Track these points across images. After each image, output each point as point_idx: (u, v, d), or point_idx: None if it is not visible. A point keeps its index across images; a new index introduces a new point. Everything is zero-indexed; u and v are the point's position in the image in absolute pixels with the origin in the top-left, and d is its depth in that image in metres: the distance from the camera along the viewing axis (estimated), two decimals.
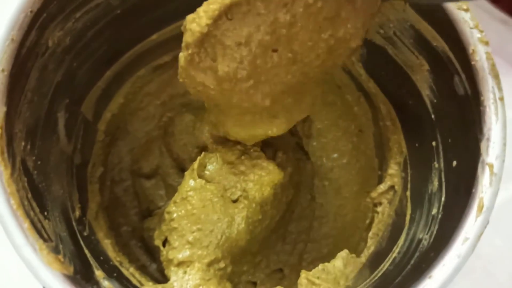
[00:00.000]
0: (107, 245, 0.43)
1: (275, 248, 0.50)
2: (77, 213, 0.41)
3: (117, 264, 0.42)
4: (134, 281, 0.42)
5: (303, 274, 0.44)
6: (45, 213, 0.35)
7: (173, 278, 0.42)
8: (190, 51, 0.32)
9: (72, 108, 0.42)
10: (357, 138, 0.51)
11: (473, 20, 0.34)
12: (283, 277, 0.49)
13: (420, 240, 0.36)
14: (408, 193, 0.43)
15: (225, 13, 0.30)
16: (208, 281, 0.41)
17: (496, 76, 0.33)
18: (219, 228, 0.42)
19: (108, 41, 0.43)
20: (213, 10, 0.30)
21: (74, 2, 0.38)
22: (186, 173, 0.45)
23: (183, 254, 0.42)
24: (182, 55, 0.33)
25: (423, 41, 0.38)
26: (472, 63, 0.33)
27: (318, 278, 0.43)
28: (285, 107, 0.40)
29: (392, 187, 0.45)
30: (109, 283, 0.36)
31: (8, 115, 0.33)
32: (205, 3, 0.31)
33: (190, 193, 0.44)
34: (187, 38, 0.32)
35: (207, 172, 0.46)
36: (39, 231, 0.32)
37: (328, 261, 0.46)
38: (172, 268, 0.42)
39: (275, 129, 0.42)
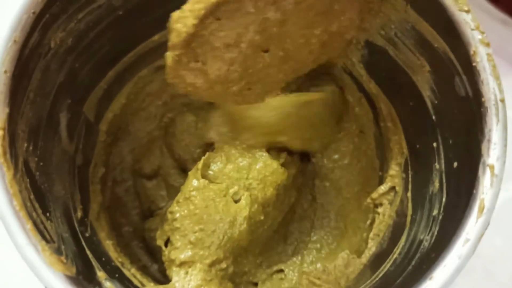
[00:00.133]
0: (109, 245, 0.43)
1: (276, 249, 0.50)
2: (79, 213, 0.41)
3: (118, 265, 0.42)
4: (136, 282, 0.42)
5: (304, 274, 0.45)
6: (47, 214, 0.35)
7: (175, 278, 0.42)
8: (177, 52, 0.31)
9: (74, 108, 0.42)
10: (358, 139, 0.51)
11: (474, 21, 0.34)
12: (284, 278, 0.49)
13: (421, 241, 0.37)
14: (409, 194, 0.43)
15: (212, 13, 0.28)
16: (209, 281, 0.42)
17: (497, 78, 0.33)
18: (221, 228, 0.43)
19: (110, 41, 0.43)
20: (199, 10, 0.29)
21: (76, 3, 0.38)
22: (189, 173, 0.45)
23: (185, 254, 0.42)
24: (169, 55, 0.31)
25: (424, 42, 0.38)
26: (473, 64, 0.33)
27: (319, 278, 0.43)
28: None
29: (393, 188, 0.45)
30: (111, 284, 0.36)
31: (11, 116, 0.33)
32: (191, 1, 0.29)
33: (193, 193, 0.44)
34: (173, 38, 0.30)
35: (210, 172, 0.46)
36: (42, 232, 0.32)
37: (329, 262, 0.46)
38: (174, 269, 0.42)
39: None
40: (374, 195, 0.46)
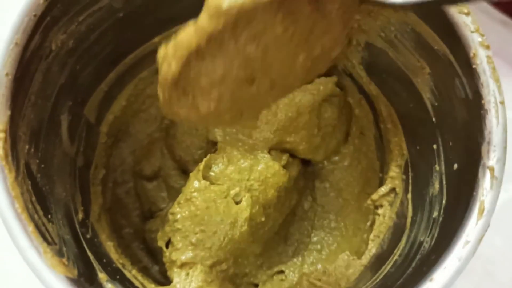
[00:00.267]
0: (110, 247, 0.43)
1: (277, 250, 0.50)
2: (80, 215, 0.41)
3: (119, 266, 0.42)
4: (137, 283, 0.42)
5: (305, 276, 0.45)
6: (49, 216, 0.35)
7: (176, 279, 0.42)
8: (166, 91, 0.31)
9: (75, 110, 0.42)
10: (358, 141, 0.51)
11: (474, 24, 0.34)
12: (284, 279, 0.49)
13: (421, 243, 0.37)
14: (409, 195, 0.43)
15: (195, 55, 0.29)
16: (210, 283, 0.42)
17: (497, 80, 0.33)
18: (222, 229, 0.43)
19: (110, 43, 0.43)
20: (181, 55, 0.29)
21: (77, 5, 0.38)
22: (191, 174, 0.45)
23: (186, 255, 0.42)
24: (160, 92, 0.32)
25: (424, 44, 0.38)
26: (473, 66, 0.33)
27: (319, 280, 0.43)
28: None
29: (393, 190, 0.46)
30: (112, 286, 0.37)
31: (13, 119, 0.33)
32: (174, 42, 0.29)
33: (194, 194, 0.44)
34: (161, 79, 0.31)
35: (212, 174, 0.46)
36: (43, 234, 0.32)
37: (330, 263, 0.46)
38: (175, 270, 0.42)
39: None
40: (374, 196, 0.47)
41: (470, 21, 0.34)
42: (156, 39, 0.47)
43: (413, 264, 0.36)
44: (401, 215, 0.43)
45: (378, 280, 0.39)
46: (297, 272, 0.49)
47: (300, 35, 0.31)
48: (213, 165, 0.46)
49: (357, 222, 0.50)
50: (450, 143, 0.37)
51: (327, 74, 0.49)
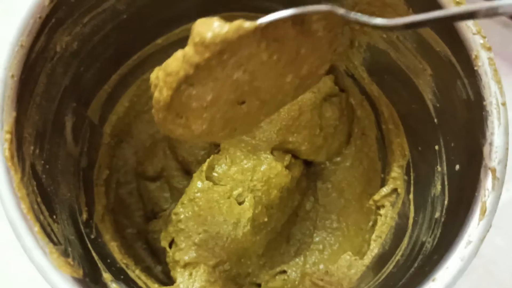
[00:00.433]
0: (114, 247, 0.43)
1: (279, 250, 0.50)
2: (84, 216, 0.42)
3: (123, 266, 0.42)
4: (140, 283, 0.42)
5: (307, 276, 0.45)
6: (54, 216, 0.35)
7: (179, 279, 0.42)
8: (160, 115, 0.32)
9: (79, 111, 0.43)
10: (360, 141, 0.51)
11: (475, 25, 0.34)
12: (287, 279, 0.49)
13: (423, 243, 0.37)
14: (411, 196, 0.43)
15: (185, 81, 0.29)
16: (213, 283, 0.42)
17: (498, 82, 0.33)
18: (225, 230, 0.43)
19: (114, 45, 0.44)
20: (171, 82, 0.29)
21: (81, 7, 0.38)
22: (194, 174, 0.46)
23: (189, 255, 0.43)
24: (154, 115, 0.33)
25: (426, 46, 0.38)
26: (475, 68, 0.34)
27: (322, 280, 0.43)
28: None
29: (395, 190, 0.46)
30: (116, 286, 0.37)
31: (18, 120, 0.34)
32: (163, 69, 0.30)
33: (198, 194, 0.44)
34: (154, 103, 0.32)
35: (215, 174, 0.46)
36: (49, 235, 0.33)
37: (332, 263, 0.46)
38: (178, 270, 0.43)
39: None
40: (376, 197, 0.47)
41: (472, 23, 0.34)
42: (159, 41, 0.48)
43: (416, 264, 0.36)
44: (403, 215, 0.44)
45: (380, 280, 0.39)
46: (299, 272, 0.49)
47: (286, 58, 0.31)
48: (216, 166, 0.47)
49: (359, 223, 0.50)
50: (452, 144, 0.37)
51: (326, 73, 0.49)
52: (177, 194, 0.51)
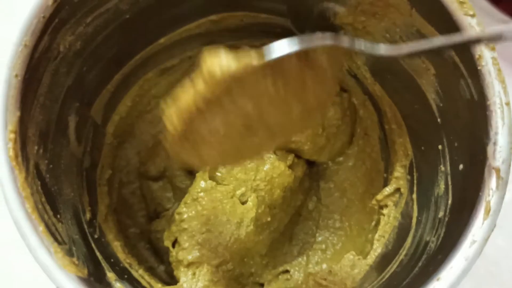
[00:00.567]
0: (117, 247, 0.43)
1: (282, 249, 0.51)
2: (88, 215, 0.42)
3: (127, 266, 0.42)
4: (144, 283, 0.42)
5: (311, 275, 0.45)
6: (58, 216, 0.35)
7: (182, 279, 0.42)
8: (173, 147, 0.33)
9: (82, 111, 0.43)
10: (363, 141, 0.51)
11: (479, 25, 0.34)
12: (289, 278, 0.49)
13: (427, 243, 0.37)
14: (414, 196, 0.43)
15: (196, 114, 0.30)
16: (216, 282, 0.42)
17: (502, 81, 0.33)
18: (228, 229, 0.43)
19: (117, 44, 0.44)
20: (182, 117, 0.30)
21: (85, 7, 0.38)
22: (197, 174, 0.46)
23: (192, 255, 0.43)
24: (167, 146, 0.34)
25: None
26: (479, 68, 0.34)
27: (325, 279, 0.43)
28: None
29: (398, 190, 0.46)
30: (120, 285, 0.37)
31: (22, 120, 0.34)
32: (175, 103, 0.31)
33: (201, 194, 0.44)
34: (167, 135, 0.32)
35: (218, 174, 0.46)
36: (53, 234, 0.33)
37: (335, 263, 0.46)
38: (182, 269, 0.43)
39: None
40: (379, 196, 0.47)
41: (475, 23, 0.34)
42: (162, 40, 0.48)
43: (420, 264, 0.36)
44: (406, 215, 0.44)
45: (384, 279, 0.39)
46: (302, 272, 0.49)
47: (293, 92, 0.32)
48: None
49: (361, 222, 0.50)
50: (456, 144, 0.37)
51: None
52: (180, 193, 0.51)
